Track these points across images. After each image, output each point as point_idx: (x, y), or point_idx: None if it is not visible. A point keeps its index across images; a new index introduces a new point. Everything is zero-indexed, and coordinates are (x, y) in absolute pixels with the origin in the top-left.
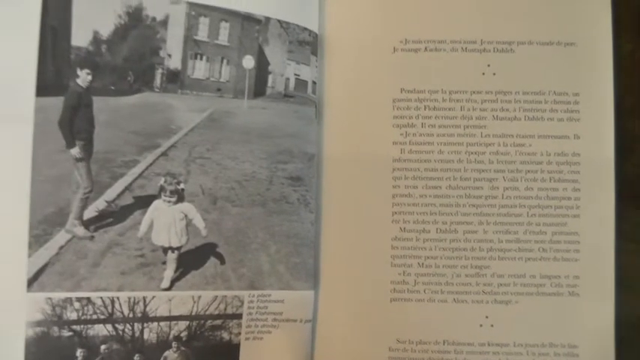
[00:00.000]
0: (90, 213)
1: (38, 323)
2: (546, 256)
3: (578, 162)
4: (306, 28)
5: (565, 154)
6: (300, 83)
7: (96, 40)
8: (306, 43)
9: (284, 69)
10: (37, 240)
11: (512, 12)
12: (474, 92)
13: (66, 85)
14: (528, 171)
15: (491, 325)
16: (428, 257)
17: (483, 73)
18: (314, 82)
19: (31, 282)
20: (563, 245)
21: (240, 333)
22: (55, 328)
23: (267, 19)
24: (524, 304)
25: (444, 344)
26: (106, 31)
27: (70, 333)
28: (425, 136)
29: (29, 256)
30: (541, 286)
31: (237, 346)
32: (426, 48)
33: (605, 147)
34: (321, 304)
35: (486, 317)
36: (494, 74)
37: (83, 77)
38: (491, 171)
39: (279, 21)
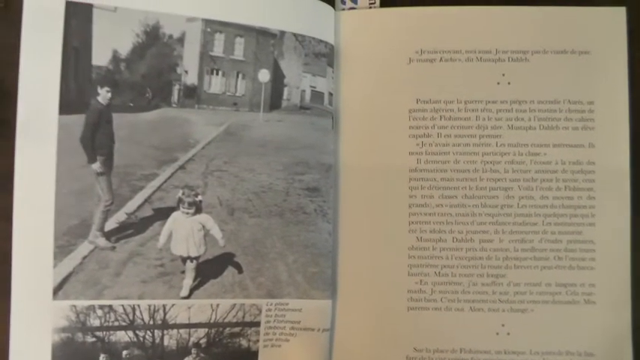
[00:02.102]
0: (111, 225)
1: (63, 329)
2: (562, 264)
3: (593, 170)
4: (321, 40)
5: (580, 162)
6: (316, 95)
7: (115, 59)
8: (322, 55)
9: (299, 81)
10: (61, 250)
11: (526, 21)
12: (489, 102)
13: (87, 102)
14: (543, 180)
15: (508, 334)
16: (444, 266)
17: (498, 83)
18: (330, 94)
19: (57, 290)
20: (578, 253)
21: (258, 340)
22: (80, 334)
23: (282, 32)
24: (541, 313)
25: (460, 352)
26: (124, 50)
27: (94, 339)
28: (441, 146)
29: (54, 266)
30: (557, 295)
31: (255, 354)
32: (441, 58)
33: (620, 155)
34: (339, 313)
35: (502, 325)
36: (509, 83)
37: (103, 95)
38: (507, 180)
39: (294, 34)
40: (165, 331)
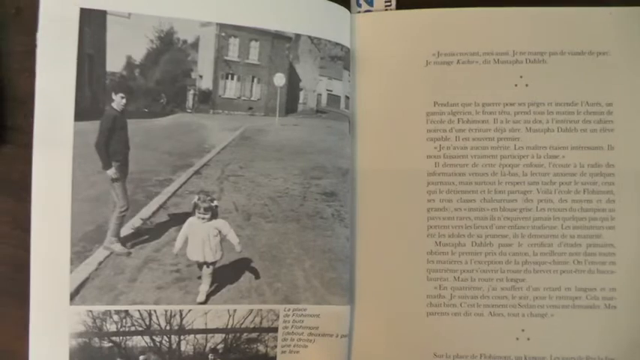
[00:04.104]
0: (126, 230)
1: (80, 334)
2: (581, 268)
3: (612, 173)
4: (337, 43)
5: (599, 165)
6: (333, 98)
7: (129, 65)
8: (338, 58)
9: (316, 85)
10: (77, 256)
11: (543, 22)
12: (506, 104)
13: (102, 109)
14: (562, 183)
15: (528, 339)
16: (463, 271)
17: (516, 85)
18: (347, 97)
19: (74, 296)
20: (598, 257)
21: (276, 346)
22: (96, 339)
23: (298, 36)
24: (561, 317)
25: (480, 358)
26: (138, 56)
27: (110, 344)
28: (459, 150)
29: (71, 271)
30: (577, 299)
31: (273, 359)
32: (458, 61)
33: None
34: (357, 318)
35: (522, 330)
36: (526, 85)
37: (118, 101)
38: (525, 183)
39: (309, 37)
40: (182, 337)
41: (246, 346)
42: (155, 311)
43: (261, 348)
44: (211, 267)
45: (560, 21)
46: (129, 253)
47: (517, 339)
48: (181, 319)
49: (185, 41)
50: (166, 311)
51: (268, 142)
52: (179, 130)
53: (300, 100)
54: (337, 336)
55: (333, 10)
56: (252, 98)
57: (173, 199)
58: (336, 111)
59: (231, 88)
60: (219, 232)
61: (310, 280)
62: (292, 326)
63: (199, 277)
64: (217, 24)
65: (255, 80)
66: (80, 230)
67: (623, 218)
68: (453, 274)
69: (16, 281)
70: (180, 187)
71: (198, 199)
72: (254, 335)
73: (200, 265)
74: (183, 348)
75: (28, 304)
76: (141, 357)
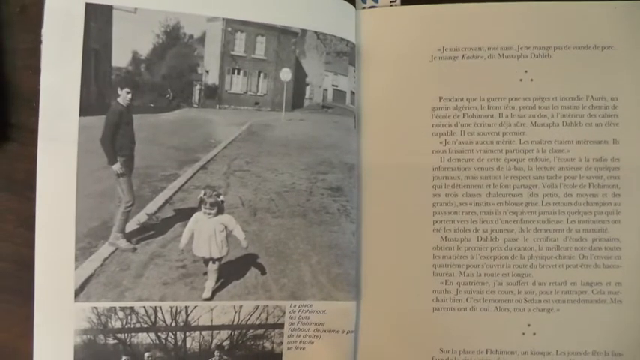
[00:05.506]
0: (132, 226)
1: (85, 331)
2: (587, 262)
3: (617, 167)
4: (343, 39)
5: (604, 159)
6: (339, 94)
7: (135, 60)
8: (344, 54)
9: (322, 80)
10: (82, 252)
11: (548, 17)
12: (511, 99)
13: (107, 104)
14: (567, 177)
15: (534, 333)
16: (469, 266)
17: (521, 80)
18: (352, 93)
19: (78, 292)
20: (603, 252)
21: (282, 342)
22: (101, 336)
23: (304, 31)
24: (566, 312)
25: (487, 353)
26: (144, 51)
27: (115, 341)
28: (464, 144)
29: (76, 268)
30: (582, 293)
31: (279, 356)
32: (463, 56)
33: None
34: (364, 314)
35: (528, 325)
36: (531, 80)
37: (123, 96)
38: (531, 178)
39: (315, 33)
40: (187, 333)
41: (252, 342)
42: (160, 307)
43: (267, 344)
44: (217, 263)
45: (565, 15)
46: (134, 249)
47: (523, 334)
48: (187, 316)
49: (191, 36)
50: (172, 307)
51: (274, 137)
52: (185, 125)
53: (306, 96)
54: (343, 332)
55: (338, 5)
56: (259, 93)
57: (179, 194)
58: (341, 106)
59: (237, 83)
60: (226, 227)
61: (317, 275)
62: (298, 322)
63: (205, 273)
64: (224, 19)
65: (262, 75)
66: (85, 226)
67: (628, 212)
68: (459, 269)
69: (20, 279)
70: (186, 182)
71: (205, 194)
72: (260, 331)
73: (206, 261)
74: (188, 344)
75: (32, 302)
76: (146, 354)
